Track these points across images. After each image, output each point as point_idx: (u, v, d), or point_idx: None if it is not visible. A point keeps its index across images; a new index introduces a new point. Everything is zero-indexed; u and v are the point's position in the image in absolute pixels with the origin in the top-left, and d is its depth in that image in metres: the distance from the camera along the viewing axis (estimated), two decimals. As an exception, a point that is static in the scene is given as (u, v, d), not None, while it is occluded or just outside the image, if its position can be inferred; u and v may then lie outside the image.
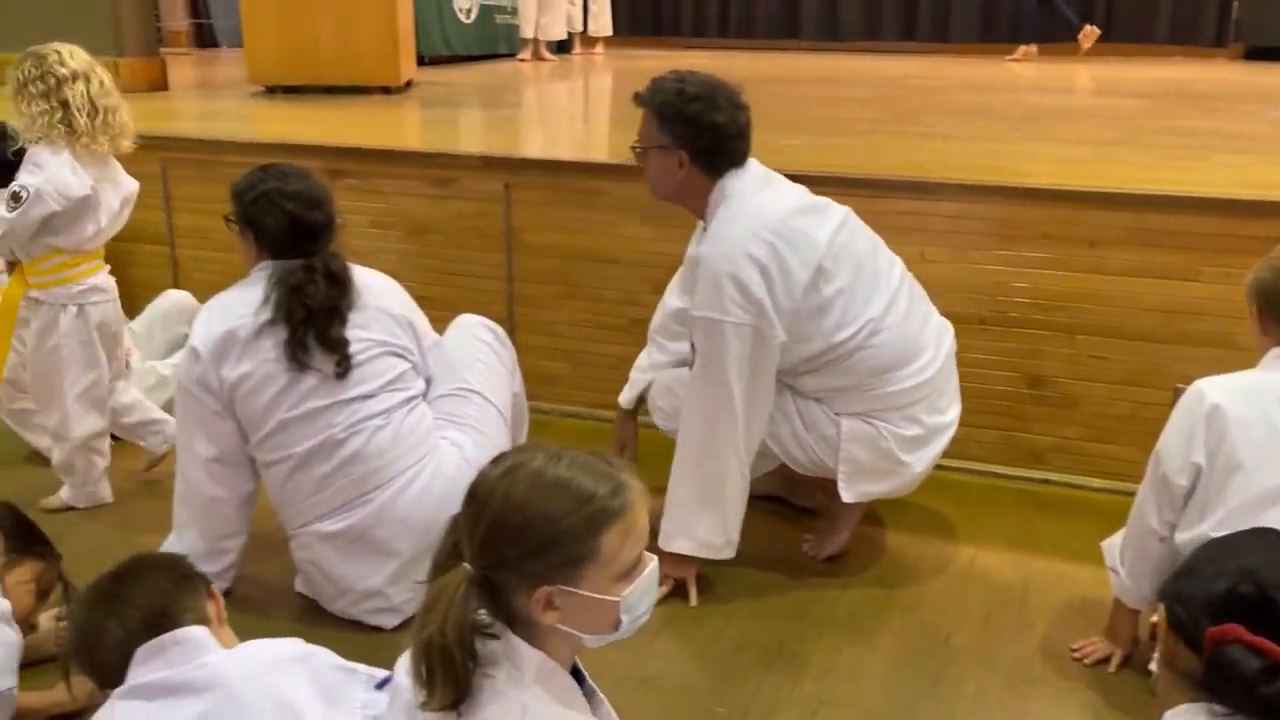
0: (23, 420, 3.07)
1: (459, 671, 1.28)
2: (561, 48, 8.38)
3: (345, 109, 4.91)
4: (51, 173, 2.59)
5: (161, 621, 1.64)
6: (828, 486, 2.49)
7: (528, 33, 7.82)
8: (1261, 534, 1.65)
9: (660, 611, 2.15)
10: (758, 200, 2.33)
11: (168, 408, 3.16)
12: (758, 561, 2.55)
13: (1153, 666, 2.05)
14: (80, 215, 2.66)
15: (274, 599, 2.32)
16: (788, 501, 2.84)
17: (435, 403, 2.38)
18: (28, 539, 2.05)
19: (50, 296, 2.71)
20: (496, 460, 1.37)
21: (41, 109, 2.59)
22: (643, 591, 1.37)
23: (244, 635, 1.74)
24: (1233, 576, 1.43)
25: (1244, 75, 7.32)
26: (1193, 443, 1.93)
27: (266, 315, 2.20)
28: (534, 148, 4.35)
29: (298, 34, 5.22)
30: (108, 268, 2.82)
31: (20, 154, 3.61)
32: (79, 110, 2.59)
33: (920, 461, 2.44)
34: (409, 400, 2.31)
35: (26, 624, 2.00)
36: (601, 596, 1.33)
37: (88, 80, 2.62)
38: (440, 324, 2.53)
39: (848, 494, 2.44)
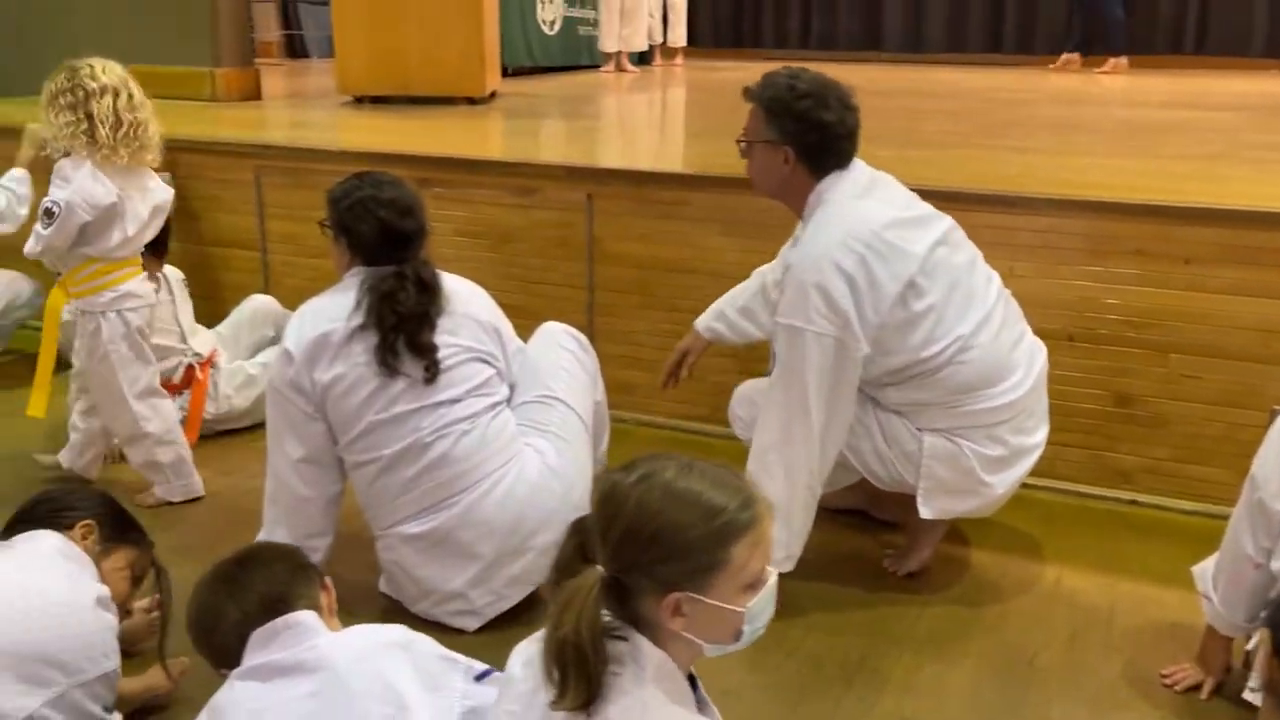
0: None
1: (591, 671, 1.31)
2: (642, 59, 8.43)
3: (431, 119, 4.99)
4: (78, 184, 2.68)
5: (278, 606, 1.75)
6: (909, 502, 2.46)
7: (610, 45, 7.88)
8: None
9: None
10: (854, 208, 2.31)
11: (259, 402, 3.28)
12: (837, 576, 2.53)
13: (1246, 695, 2.00)
14: (107, 224, 2.74)
15: (359, 599, 2.37)
16: (870, 516, 2.81)
17: (519, 409, 2.40)
18: (123, 527, 2.12)
19: (89, 305, 2.79)
20: (628, 467, 1.40)
21: (68, 120, 2.67)
22: (764, 604, 1.40)
23: (332, 632, 1.79)
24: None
25: (1346, 89, 7.08)
26: (1293, 467, 1.88)
27: (359, 320, 2.24)
28: (616, 158, 4.38)
29: (387, 46, 5.32)
30: (143, 274, 2.89)
31: None
32: (102, 123, 2.67)
33: (1003, 483, 2.40)
34: (494, 406, 2.34)
35: (122, 609, 2.06)
36: (728, 606, 1.36)
37: (116, 95, 2.70)
38: (521, 332, 2.55)
39: (927, 510, 2.41)
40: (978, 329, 2.32)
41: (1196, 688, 2.13)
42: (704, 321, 2.83)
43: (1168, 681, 2.16)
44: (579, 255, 3.51)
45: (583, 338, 2.62)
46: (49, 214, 2.68)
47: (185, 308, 3.45)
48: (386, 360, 2.23)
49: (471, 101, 5.48)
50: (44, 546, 1.93)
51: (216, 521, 2.81)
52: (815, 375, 2.25)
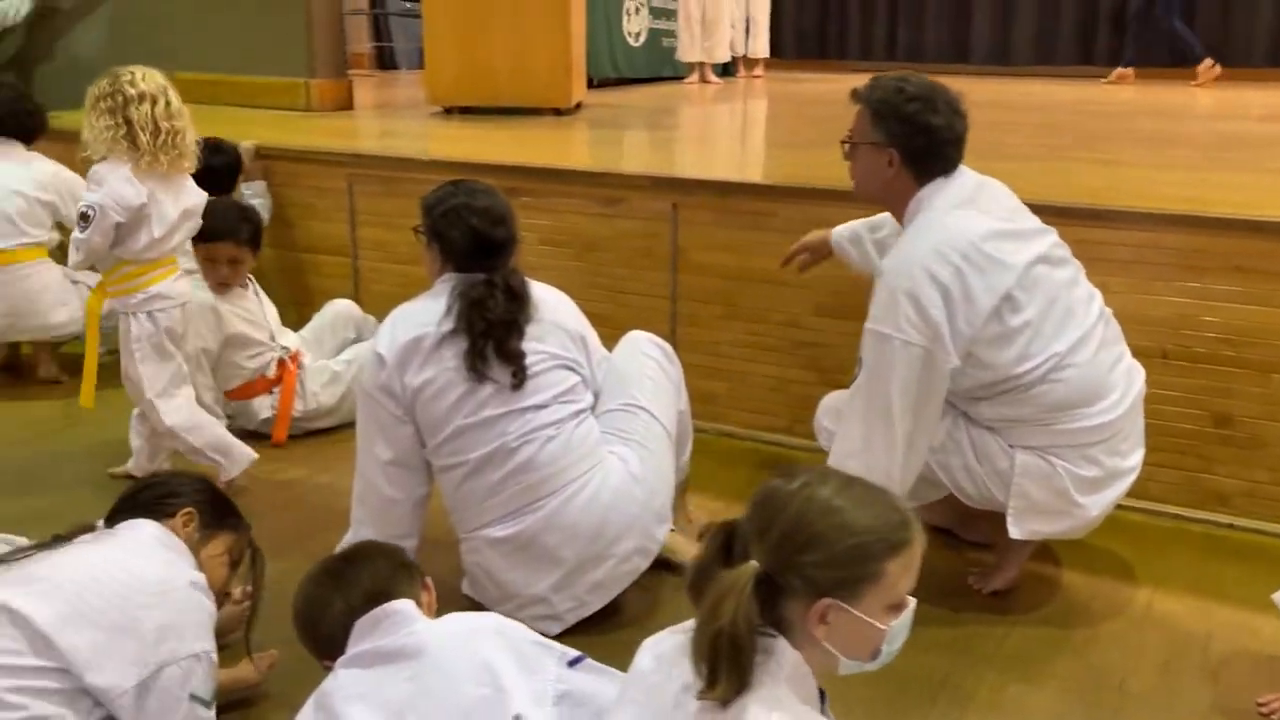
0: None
1: (745, 662, 1.33)
2: (725, 70, 8.44)
3: (518, 129, 5.05)
4: (110, 186, 2.74)
5: (381, 600, 1.83)
6: (998, 521, 2.42)
7: (690, 56, 7.89)
8: None
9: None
10: (954, 217, 2.29)
11: (345, 400, 3.35)
12: (922, 593, 2.44)
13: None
14: (136, 226, 2.79)
15: (442, 601, 2.37)
16: (957, 535, 2.77)
17: (603, 417, 2.42)
18: (221, 512, 2.17)
19: (121, 305, 2.87)
20: (787, 474, 1.43)
21: (108, 124, 2.74)
22: (904, 626, 1.42)
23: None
24: None
25: None
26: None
27: (449, 326, 2.28)
28: (700, 169, 4.38)
29: (475, 57, 5.40)
30: (177, 274, 2.94)
31: (229, 167, 3.87)
32: (142, 129, 2.73)
33: (1096, 505, 2.35)
34: (578, 413, 2.36)
35: (221, 594, 2.11)
36: (872, 621, 1.38)
37: (154, 102, 2.76)
38: (605, 341, 2.57)
39: (1016, 531, 2.36)
40: (1075, 347, 2.27)
41: (1296, 719, 2.06)
42: (839, 234, 2.82)
43: (1264, 710, 2.10)
44: (663, 265, 3.52)
45: (667, 346, 2.62)
46: (84, 217, 2.75)
47: (270, 307, 3.55)
48: (475, 365, 2.26)
49: (558, 112, 5.53)
50: (143, 535, 1.99)
51: (305, 520, 2.87)
52: (900, 384, 2.23)
